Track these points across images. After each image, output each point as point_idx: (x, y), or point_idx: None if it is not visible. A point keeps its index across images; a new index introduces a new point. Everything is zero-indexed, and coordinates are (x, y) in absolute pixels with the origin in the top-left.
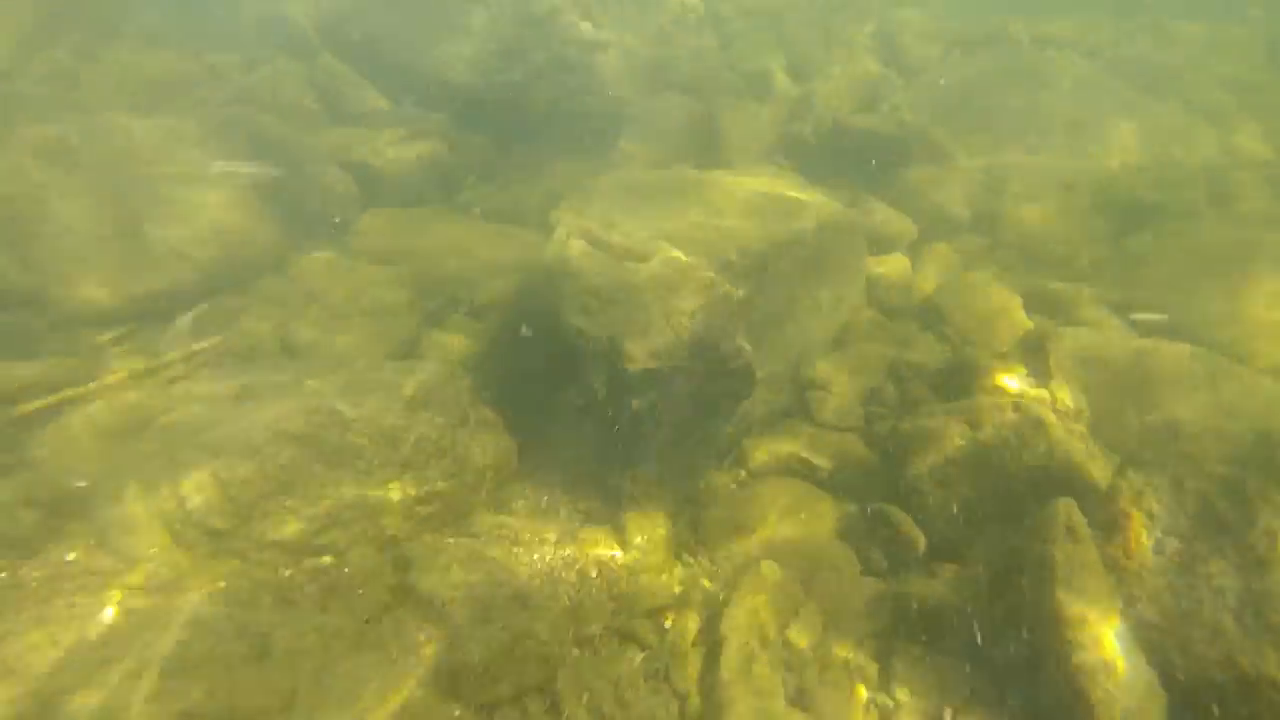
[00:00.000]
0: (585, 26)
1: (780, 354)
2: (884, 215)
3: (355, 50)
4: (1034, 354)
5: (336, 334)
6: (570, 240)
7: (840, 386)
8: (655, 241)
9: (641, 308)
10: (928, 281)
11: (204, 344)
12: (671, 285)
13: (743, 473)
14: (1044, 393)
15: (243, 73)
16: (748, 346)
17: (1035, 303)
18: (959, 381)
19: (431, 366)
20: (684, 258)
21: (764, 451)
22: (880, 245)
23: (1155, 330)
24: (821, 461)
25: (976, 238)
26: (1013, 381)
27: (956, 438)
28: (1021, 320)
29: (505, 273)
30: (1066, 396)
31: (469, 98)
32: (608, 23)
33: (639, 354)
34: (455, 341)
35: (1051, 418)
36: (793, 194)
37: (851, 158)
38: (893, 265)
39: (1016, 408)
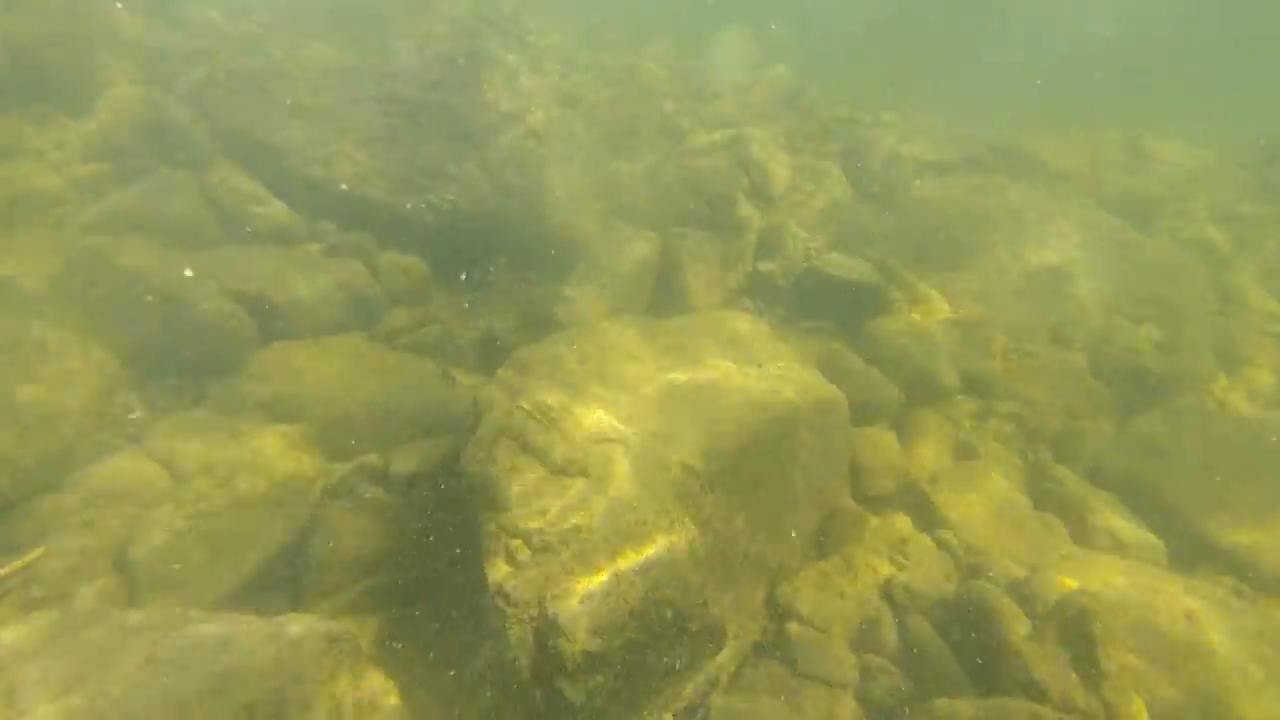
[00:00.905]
0: (530, 145)
1: (751, 572)
2: (863, 377)
3: (259, 159)
4: (1074, 631)
5: (188, 549)
6: (498, 446)
7: (825, 617)
8: (604, 449)
9: (584, 560)
10: (920, 465)
11: (3, 570)
12: (625, 528)
13: None
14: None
15: (117, 186)
16: (712, 592)
17: (1044, 499)
18: (982, 635)
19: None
20: (639, 481)
21: None
22: (861, 414)
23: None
24: None
25: (967, 402)
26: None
27: None
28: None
29: (431, 431)
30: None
31: (394, 217)
32: (556, 135)
33: (579, 630)
34: (357, 537)
35: None
36: (775, 371)
37: (825, 302)
38: (879, 445)
39: None
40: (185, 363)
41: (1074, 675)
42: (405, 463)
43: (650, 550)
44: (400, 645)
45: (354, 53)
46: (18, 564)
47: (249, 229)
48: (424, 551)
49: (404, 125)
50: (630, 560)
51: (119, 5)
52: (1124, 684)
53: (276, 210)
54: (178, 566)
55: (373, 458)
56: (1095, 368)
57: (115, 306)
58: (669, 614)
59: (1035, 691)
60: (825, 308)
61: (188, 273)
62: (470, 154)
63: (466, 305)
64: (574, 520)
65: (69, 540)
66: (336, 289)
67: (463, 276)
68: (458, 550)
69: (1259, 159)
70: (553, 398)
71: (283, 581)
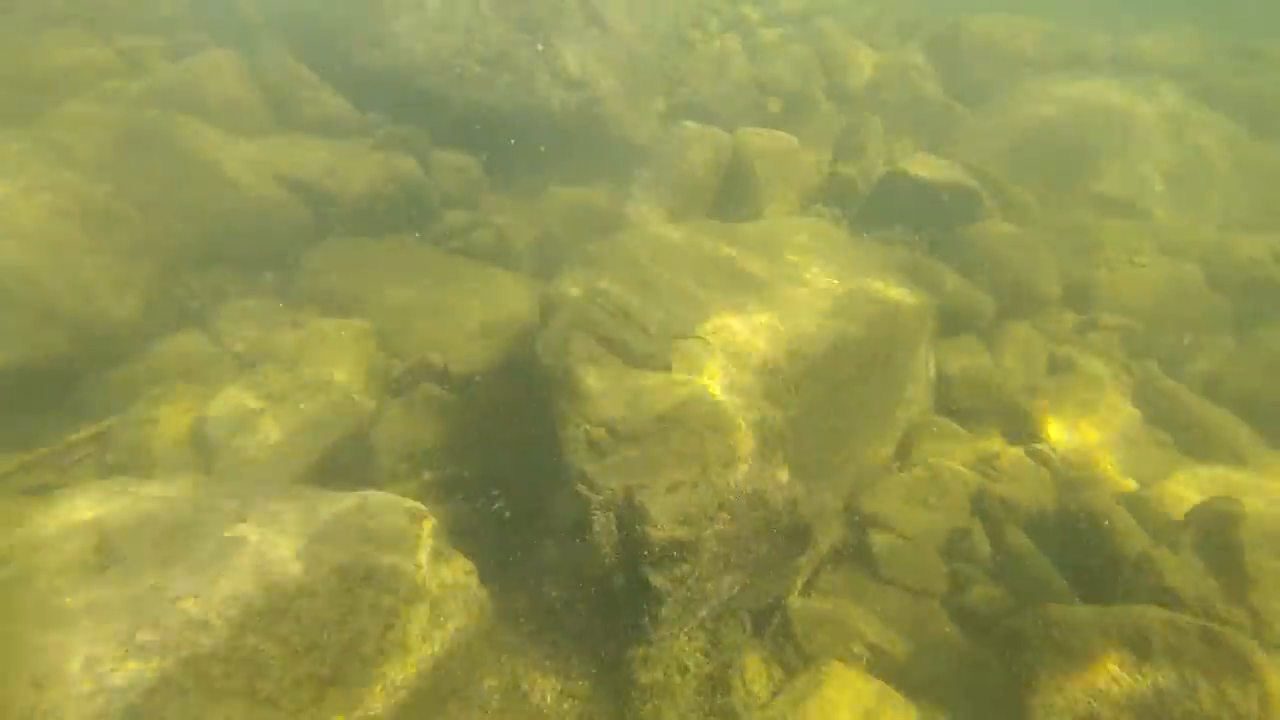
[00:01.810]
0: (593, 33)
1: (832, 479)
2: (954, 285)
3: (313, 44)
4: (1214, 539)
5: (261, 427)
6: (573, 338)
7: (910, 524)
8: (686, 345)
9: (670, 451)
10: (1012, 378)
11: (81, 434)
12: (712, 421)
13: (788, 650)
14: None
15: (167, 61)
16: (800, 493)
17: (1154, 414)
18: (1086, 545)
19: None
20: (724, 378)
21: (816, 626)
22: (949, 324)
23: None
24: (896, 647)
25: (1066, 314)
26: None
27: (1117, 675)
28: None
29: (489, 333)
30: None
31: (449, 109)
32: (616, 22)
33: (664, 518)
34: (420, 431)
35: None
36: (861, 279)
37: (909, 208)
38: (968, 356)
39: (1211, 639)
40: (244, 249)
41: (1213, 582)
42: (465, 362)
43: (738, 444)
44: (466, 535)
45: None
46: (92, 429)
47: (299, 114)
48: (486, 446)
49: (465, 6)
50: (730, 447)
51: None
52: (1274, 590)
53: (326, 97)
54: (252, 442)
55: (433, 355)
56: (1212, 279)
57: (172, 185)
58: (758, 511)
59: (1168, 599)
60: (909, 214)
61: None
62: (530, 42)
63: (521, 208)
64: (658, 408)
65: (141, 410)
66: (389, 184)
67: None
68: (523, 444)
69: None
70: (629, 293)
71: (348, 468)
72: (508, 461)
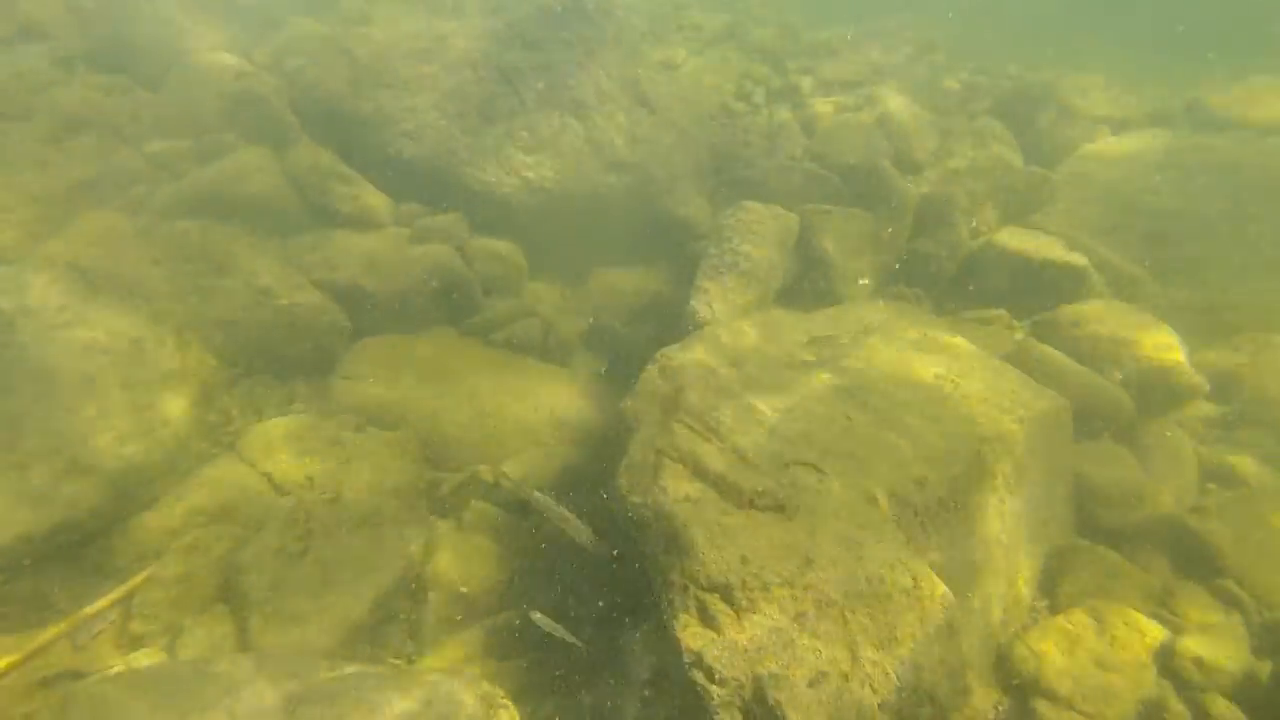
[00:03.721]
0: (641, 115)
1: (981, 631)
2: (1080, 378)
3: (347, 137)
4: None
5: (300, 577)
6: (664, 469)
7: (1086, 694)
8: (795, 474)
9: (806, 628)
10: (1166, 490)
11: (99, 603)
12: (849, 586)
13: None
14: None
15: (196, 164)
16: (973, 692)
17: None
18: None
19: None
20: (850, 525)
21: None
22: (1082, 426)
23: None
24: None
25: (1206, 406)
26: None
27: None
28: None
29: (544, 440)
30: None
31: (488, 197)
32: (663, 100)
33: None
34: (474, 563)
35: None
36: (973, 376)
37: (1002, 287)
38: (1114, 464)
39: None
40: (278, 359)
41: None
42: (520, 475)
43: (895, 615)
44: (536, 702)
45: (446, 13)
46: (116, 593)
47: (334, 210)
48: (554, 581)
49: (501, 92)
50: (868, 626)
51: None
52: None
53: (362, 190)
54: (291, 599)
55: (484, 469)
56: None
57: (204, 299)
58: (926, 709)
59: None
60: (1002, 294)
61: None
62: (573, 124)
63: (566, 298)
64: (782, 570)
65: (171, 565)
66: (429, 276)
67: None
68: (597, 579)
69: None
70: (718, 408)
71: (398, 612)
72: (578, 595)
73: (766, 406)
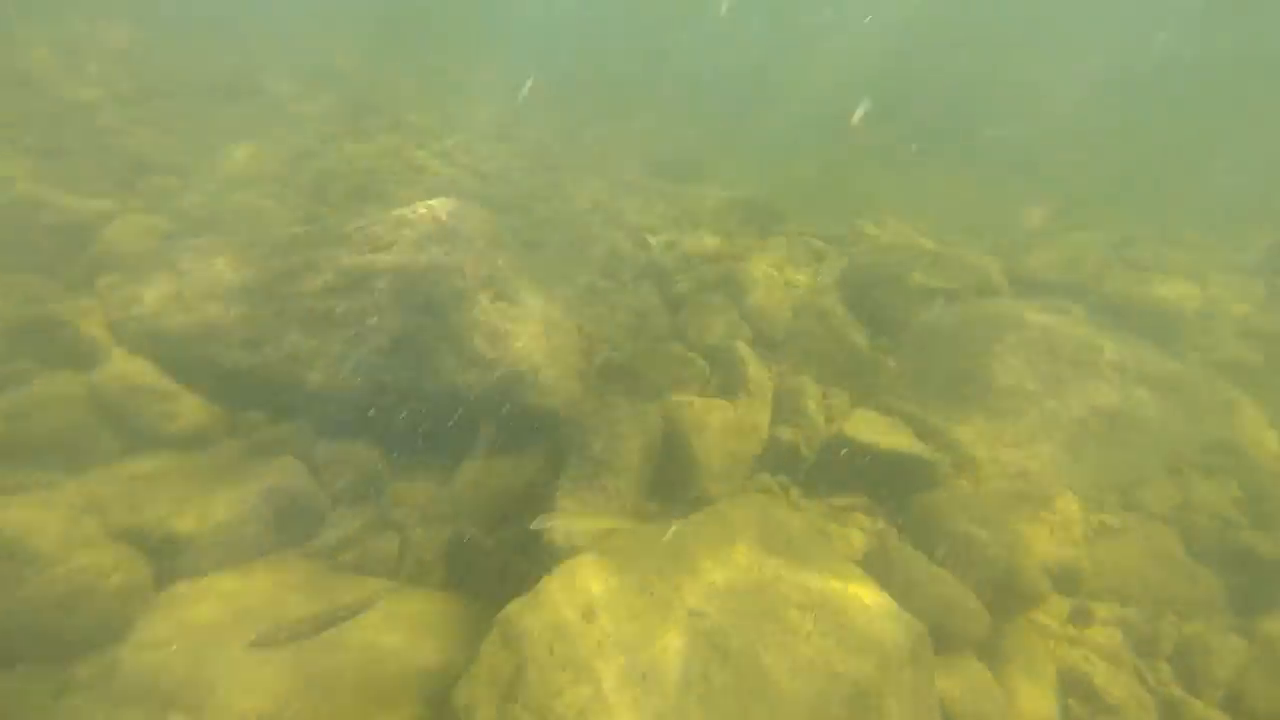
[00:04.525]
0: (500, 307)
1: None
2: (937, 588)
3: (176, 352)
4: None
5: None
6: None
7: None
8: None
9: None
10: (1030, 710)
11: None
12: None
13: None
14: None
15: None
16: None
17: None
18: None
19: None
20: None
21: None
22: (940, 639)
23: None
24: None
25: (1058, 601)
26: None
27: None
28: None
29: (399, 701)
30: None
31: (339, 400)
32: (527, 292)
33: None
34: None
35: None
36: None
37: (860, 474)
38: (973, 685)
39: None
40: (58, 639)
41: None
42: None
43: None
44: None
45: (291, 206)
46: None
47: (154, 431)
48: None
49: (364, 295)
50: None
51: None
52: None
53: (188, 406)
54: None
55: None
56: (1186, 541)
57: None
58: None
59: None
60: (861, 480)
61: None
62: (430, 323)
63: (430, 501)
64: None
65: None
66: (263, 499)
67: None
68: None
69: (1270, 264)
70: (562, 692)
71: None
72: None
73: (617, 680)
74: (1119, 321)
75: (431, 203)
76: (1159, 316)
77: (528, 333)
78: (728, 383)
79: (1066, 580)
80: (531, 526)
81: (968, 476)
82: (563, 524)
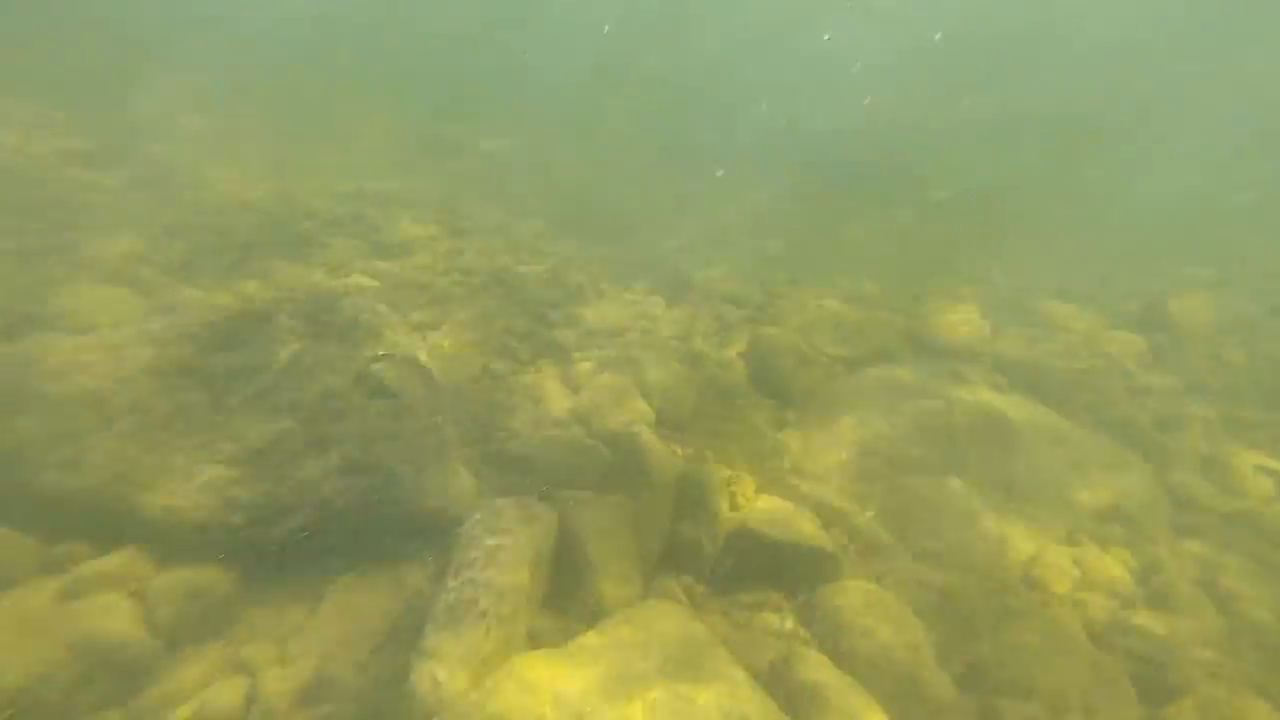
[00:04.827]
0: (380, 406)
1: None
2: (841, 700)
3: None
4: None
5: None
6: None
7: None
8: None
9: None
10: None
11: None
12: None
13: None
14: None
15: None
16: None
17: None
18: None
19: None
20: None
21: None
22: None
23: None
24: None
25: (966, 701)
26: None
27: None
28: None
29: None
30: None
31: (180, 523)
32: (408, 384)
33: None
34: None
35: None
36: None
37: (764, 566)
38: None
39: None
40: None
41: None
42: None
43: None
44: None
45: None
46: None
47: None
48: None
49: (197, 401)
50: None
51: None
52: None
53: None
54: None
55: None
56: (1089, 630)
57: None
58: None
59: None
60: (765, 573)
61: None
62: (294, 426)
63: (289, 633)
64: None
65: None
66: (74, 654)
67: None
68: None
69: (1151, 319)
70: None
71: None
72: None
73: None
74: (1015, 383)
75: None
76: (1053, 376)
77: (410, 428)
78: (628, 474)
79: (971, 677)
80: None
81: (877, 563)
82: (430, 671)
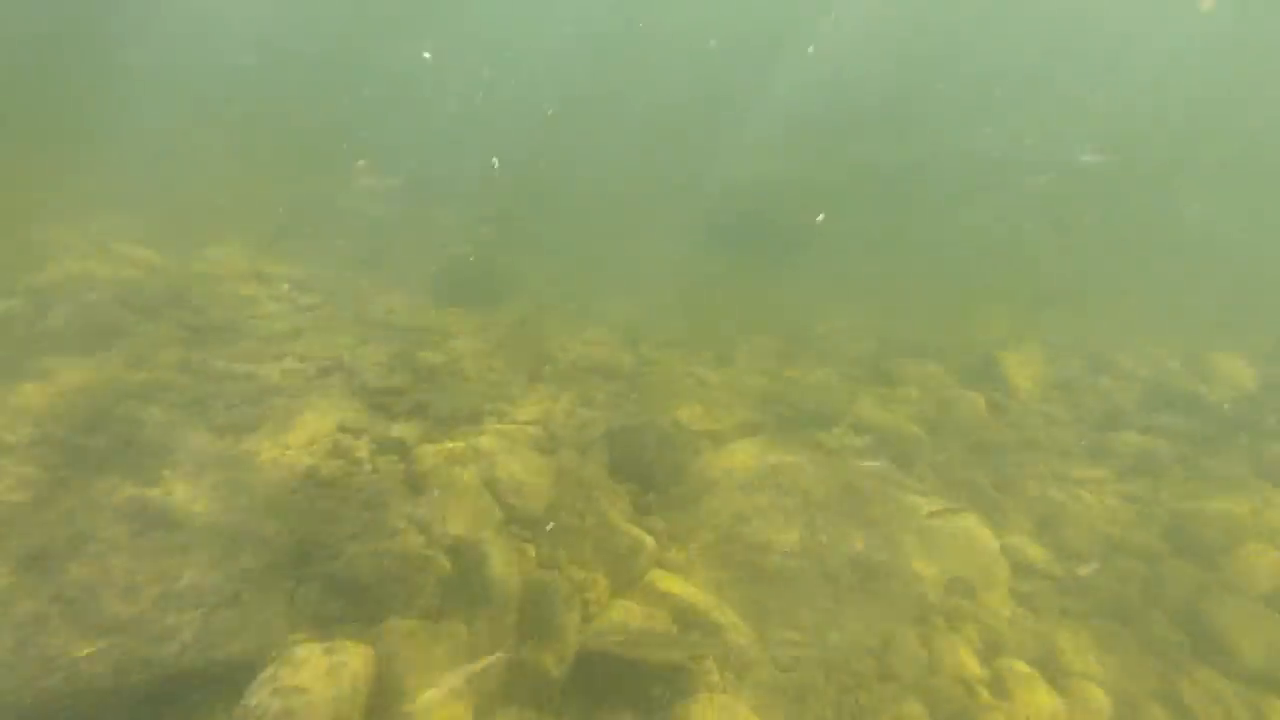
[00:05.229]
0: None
1: None
2: None
3: None
4: None
5: None
6: None
7: None
8: None
9: None
10: None
11: None
12: None
13: None
14: None
15: None
16: None
17: None
18: None
19: None
20: None
21: None
22: None
23: None
24: None
25: None
26: None
27: None
28: None
29: None
30: None
31: None
32: (180, 510)
33: None
34: None
35: None
36: None
37: (620, 687)
38: None
39: None
40: None
41: None
42: None
43: None
44: None
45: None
46: None
47: None
48: None
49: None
50: None
51: None
52: None
53: None
54: None
55: None
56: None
57: None
58: None
59: None
60: (619, 694)
61: None
62: (34, 584)
63: None
64: None
65: None
66: None
67: None
68: None
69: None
70: None
71: None
72: None
73: None
74: (874, 445)
75: None
76: (894, 439)
77: (197, 562)
78: (469, 589)
79: None
80: None
81: (739, 670)
82: None
